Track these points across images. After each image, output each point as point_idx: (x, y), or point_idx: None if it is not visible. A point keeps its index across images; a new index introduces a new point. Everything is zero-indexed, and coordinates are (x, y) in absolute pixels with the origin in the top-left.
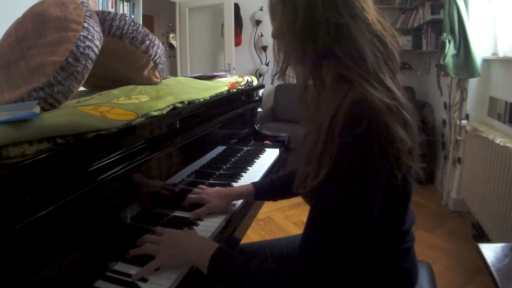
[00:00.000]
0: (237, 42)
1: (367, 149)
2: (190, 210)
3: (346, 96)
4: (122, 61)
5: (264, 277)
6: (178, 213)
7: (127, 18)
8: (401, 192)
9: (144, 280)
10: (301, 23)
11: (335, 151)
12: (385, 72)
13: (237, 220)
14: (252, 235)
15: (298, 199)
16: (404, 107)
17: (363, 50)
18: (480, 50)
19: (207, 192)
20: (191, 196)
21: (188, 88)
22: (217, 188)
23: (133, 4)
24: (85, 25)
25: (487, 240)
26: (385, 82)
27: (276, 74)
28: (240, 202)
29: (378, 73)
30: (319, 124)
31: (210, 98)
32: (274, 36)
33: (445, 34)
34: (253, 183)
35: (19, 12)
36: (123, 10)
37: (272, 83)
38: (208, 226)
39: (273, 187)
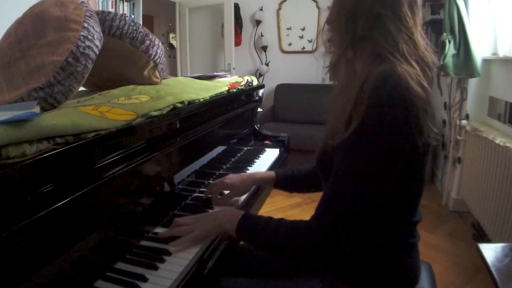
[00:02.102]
0: (237, 42)
1: (393, 107)
2: (189, 211)
3: (377, 67)
4: (122, 61)
5: (283, 229)
6: (177, 213)
7: (127, 18)
8: (418, 176)
9: (144, 280)
10: (348, 10)
11: (365, 108)
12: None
13: None
14: None
15: (298, 199)
16: (423, 79)
17: (396, 37)
18: (480, 50)
19: (229, 177)
20: (213, 183)
21: (188, 88)
22: (238, 174)
23: (133, 4)
24: (85, 25)
25: (487, 240)
26: (411, 62)
27: (329, 66)
28: (241, 201)
29: (406, 55)
30: (351, 87)
31: (210, 98)
32: (326, 20)
33: (445, 34)
34: (275, 171)
35: (19, 12)
36: (123, 10)
37: (324, 76)
38: None
39: (292, 178)
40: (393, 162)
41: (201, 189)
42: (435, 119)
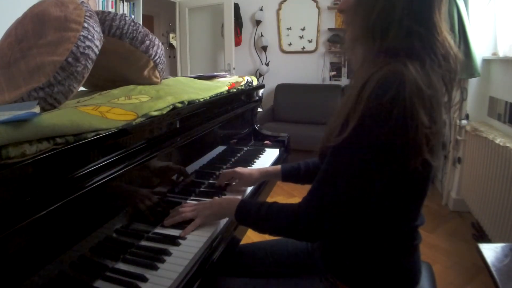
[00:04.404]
0: (237, 42)
1: (387, 119)
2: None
3: (386, 65)
4: (122, 61)
5: (275, 210)
6: None
7: (127, 18)
8: (420, 184)
9: (144, 280)
10: (376, 16)
11: (360, 113)
12: (435, 74)
13: None
14: (252, 235)
15: (298, 199)
16: (439, 104)
17: (421, 55)
18: (480, 50)
19: (239, 167)
20: (225, 171)
21: (188, 88)
22: (247, 167)
23: (133, 4)
24: (85, 25)
25: (487, 240)
26: (430, 76)
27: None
28: (246, 194)
29: (429, 71)
30: (355, 86)
31: (210, 98)
32: (340, 10)
33: None
34: (281, 166)
35: (19, 12)
36: (123, 10)
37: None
38: (208, 226)
39: (298, 171)
40: (381, 168)
41: (201, 189)
42: (439, 154)
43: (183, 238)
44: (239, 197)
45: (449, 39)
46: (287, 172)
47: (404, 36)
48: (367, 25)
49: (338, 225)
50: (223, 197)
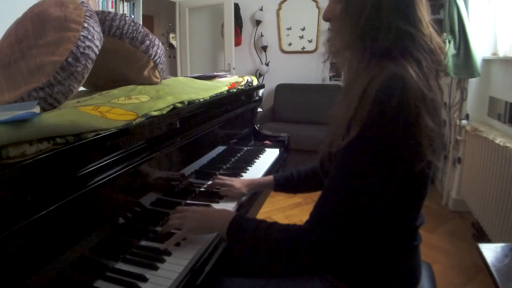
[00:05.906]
0: (237, 42)
1: (393, 124)
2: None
3: (385, 69)
4: (122, 61)
5: (276, 232)
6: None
7: (127, 18)
8: (420, 184)
9: (144, 280)
10: (365, 22)
11: (364, 118)
12: (431, 75)
13: None
14: None
15: (298, 199)
16: (438, 106)
17: (417, 55)
18: (480, 50)
19: (231, 179)
20: (217, 181)
21: (188, 88)
22: (242, 178)
23: (133, 4)
24: (85, 25)
25: (487, 240)
26: (428, 79)
27: (329, 56)
28: (242, 200)
29: (427, 73)
30: (355, 90)
31: (210, 98)
32: (326, 19)
33: (445, 34)
34: (274, 175)
35: (19, 12)
36: (123, 10)
37: (324, 61)
38: None
39: (291, 180)
40: (388, 175)
41: (201, 190)
42: (441, 155)
43: (167, 253)
44: (232, 209)
45: (433, 31)
46: (280, 181)
47: (394, 37)
48: (356, 31)
49: (351, 238)
50: (216, 207)
